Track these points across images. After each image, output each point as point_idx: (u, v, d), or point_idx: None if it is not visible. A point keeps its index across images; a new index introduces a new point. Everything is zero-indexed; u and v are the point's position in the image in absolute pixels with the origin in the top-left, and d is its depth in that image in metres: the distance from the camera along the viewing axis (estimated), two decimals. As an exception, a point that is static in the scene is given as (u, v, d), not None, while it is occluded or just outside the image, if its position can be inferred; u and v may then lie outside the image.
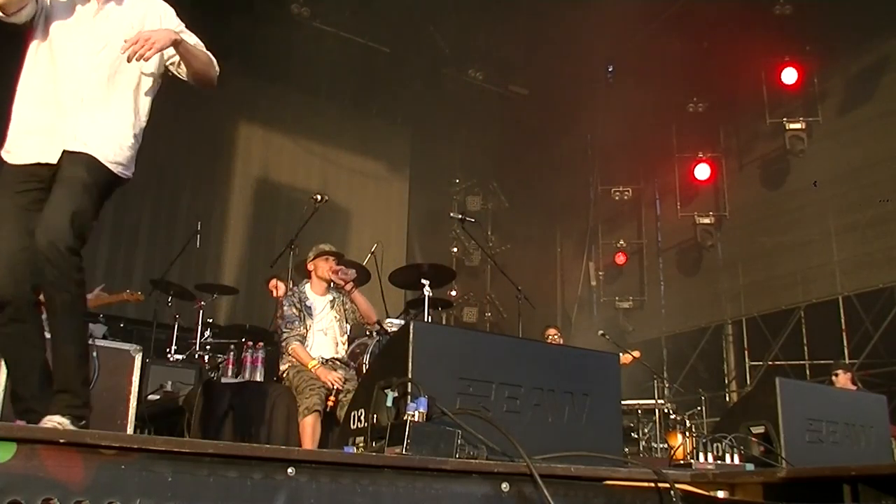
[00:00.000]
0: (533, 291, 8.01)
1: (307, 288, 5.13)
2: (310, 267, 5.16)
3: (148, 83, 2.97)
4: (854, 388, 7.04)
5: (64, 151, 2.69)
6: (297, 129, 11.40)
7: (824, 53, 9.38)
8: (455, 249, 12.39)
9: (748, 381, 9.74)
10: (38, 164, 2.69)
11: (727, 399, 9.93)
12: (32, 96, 2.80)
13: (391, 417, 2.60)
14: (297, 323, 4.92)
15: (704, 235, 10.43)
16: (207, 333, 6.78)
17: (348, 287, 5.15)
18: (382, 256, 6.75)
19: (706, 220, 10.45)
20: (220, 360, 6.20)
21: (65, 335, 2.57)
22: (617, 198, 11.42)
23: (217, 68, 3.09)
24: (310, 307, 5.04)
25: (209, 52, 3.08)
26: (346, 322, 5.20)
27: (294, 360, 4.83)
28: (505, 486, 2.23)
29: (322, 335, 5.01)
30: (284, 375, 4.86)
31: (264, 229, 10.75)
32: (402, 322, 5.41)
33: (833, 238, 8.97)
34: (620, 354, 5.59)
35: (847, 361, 7.87)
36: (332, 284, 5.17)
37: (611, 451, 2.90)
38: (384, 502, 2.07)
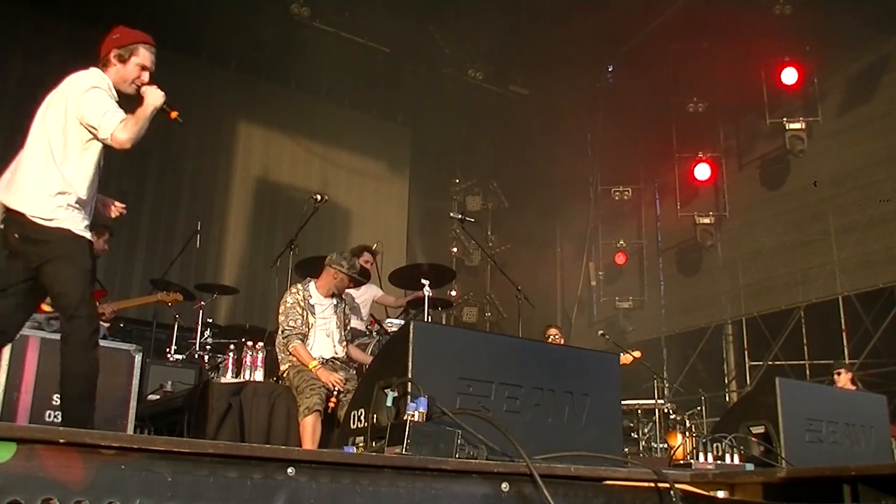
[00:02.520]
0: (533, 291, 8.00)
1: (312, 287, 5.11)
2: (331, 272, 5.10)
3: None
4: (854, 388, 7.04)
5: None
6: (297, 129, 11.40)
7: (824, 53, 9.38)
8: (455, 249, 12.39)
9: (748, 381, 9.73)
10: None
11: (727, 399, 9.92)
12: None
13: (391, 417, 2.59)
14: (299, 321, 4.91)
15: (704, 235, 10.43)
16: (207, 333, 6.78)
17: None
18: (383, 256, 6.76)
19: (706, 220, 10.45)
20: (219, 360, 6.18)
21: None
22: (617, 198, 11.42)
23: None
24: (313, 306, 5.02)
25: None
26: (345, 328, 5.20)
27: (294, 359, 4.82)
28: (505, 486, 2.23)
29: (324, 335, 5.00)
30: (284, 375, 4.85)
31: (264, 229, 10.75)
32: (402, 322, 5.41)
33: (833, 238, 8.97)
34: (621, 355, 5.60)
35: (847, 361, 7.87)
36: (335, 294, 5.17)
37: (611, 451, 2.89)
38: (384, 502, 2.07)
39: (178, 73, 10.20)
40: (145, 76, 3.47)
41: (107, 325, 5.37)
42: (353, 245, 6.84)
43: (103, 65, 3.44)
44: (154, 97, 3.38)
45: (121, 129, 3.24)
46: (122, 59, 3.43)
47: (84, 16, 9.40)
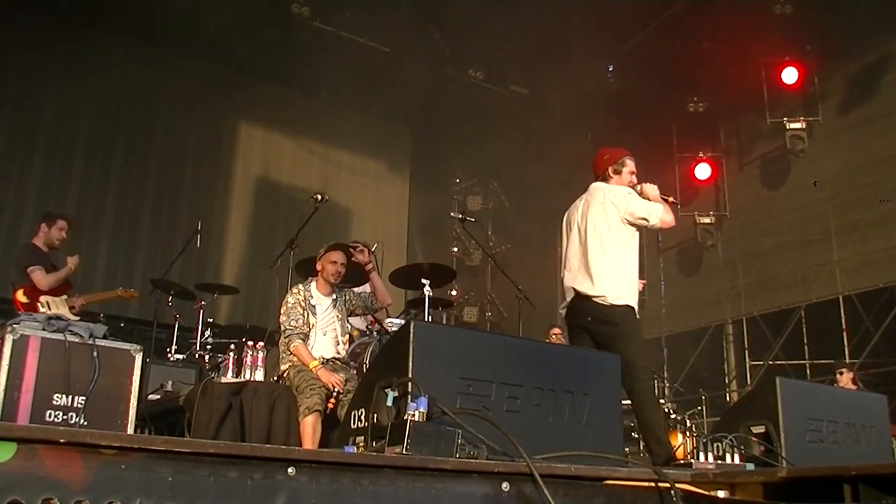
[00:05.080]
0: (533, 291, 7.99)
1: (313, 287, 5.13)
2: (318, 267, 5.17)
3: None
4: (854, 387, 7.05)
5: None
6: (297, 129, 11.40)
7: (825, 53, 9.38)
8: (455, 249, 12.36)
9: (748, 381, 9.73)
10: None
11: (727, 399, 9.92)
12: None
13: (391, 417, 2.59)
14: (300, 321, 4.92)
15: (705, 235, 10.43)
16: (208, 333, 6.78)
17: (369, 266, 5.20)
18: (383, 256, 6.74)
19: (706, 220, 10.45)
20: (220, 359, 6.18)
21: None
22: (617, 197, 11.40)
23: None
24: (314, 306, 5.04)
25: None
26: (347, 321, 5.21)
27: (295, 359, 4.82)
28: (505, 485, 2.23)
29: (322, 335, 5.01)
30: (284, 375, 4.85)
31: (264, 229, 10.75)
32: (403, 322, 5.41)
33: (833, 237, 8.96)
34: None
35: (847, 361, 7.87)
36: (334, 286, 5.17)
37: (611, 451, 2.89)
38: (384, 502, 2.07)
39: (178, 74, 10.23)
40: (634, 178, 4.47)
41: (76, 318, 5.35)
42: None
43: (603, 179, 4.50)
44: (653, 191, 4.38)
45: (664, 214, 4.25)
46: (618, 172, 4.46)
47: (84, 16, 9.41)
